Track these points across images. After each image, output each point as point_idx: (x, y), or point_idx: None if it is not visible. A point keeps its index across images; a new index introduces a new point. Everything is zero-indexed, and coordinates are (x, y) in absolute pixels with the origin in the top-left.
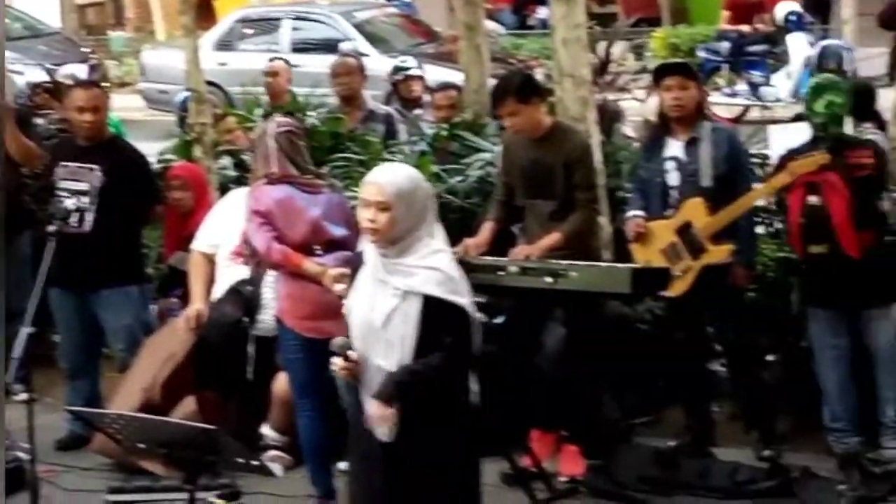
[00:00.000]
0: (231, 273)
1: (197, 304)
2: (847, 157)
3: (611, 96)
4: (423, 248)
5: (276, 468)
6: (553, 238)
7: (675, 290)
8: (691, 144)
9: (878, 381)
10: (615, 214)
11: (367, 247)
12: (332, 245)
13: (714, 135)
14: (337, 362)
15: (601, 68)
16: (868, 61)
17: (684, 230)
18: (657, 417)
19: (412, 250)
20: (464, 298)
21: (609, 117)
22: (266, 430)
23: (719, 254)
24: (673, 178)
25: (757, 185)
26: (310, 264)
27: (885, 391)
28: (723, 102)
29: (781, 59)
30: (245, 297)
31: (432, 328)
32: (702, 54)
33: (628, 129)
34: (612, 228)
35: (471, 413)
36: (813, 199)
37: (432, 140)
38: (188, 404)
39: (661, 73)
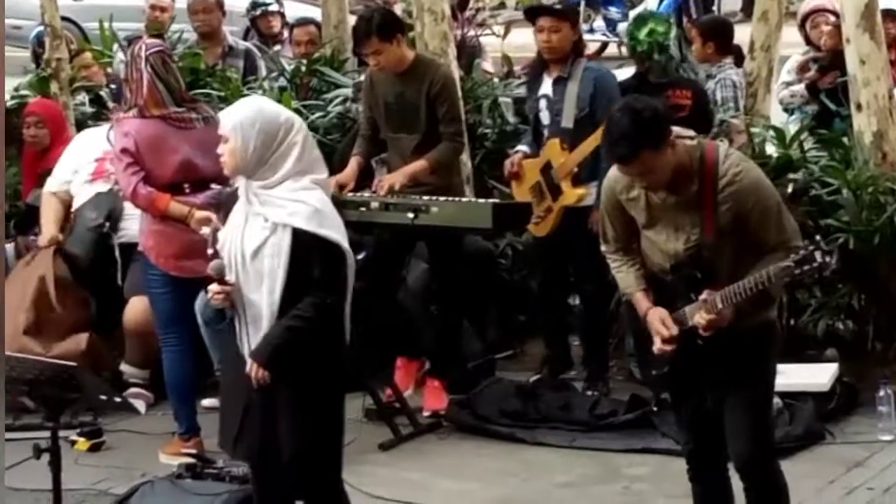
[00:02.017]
0: (90, 189)
1: (51, 230)
2: (668, 97)
3: (470, 32)
4: (293, 182)
5: (139, 405)
6: (419, 165)
7: (539, 230)
8: (559, 83)
9: None
10: (475, 151)
11: (241, 181)
12: (203, 183)
13: (584, 74)
14: (212, 287)
15: (461, 3)
16: None
17: (546, 170)
18: (519, 352)
19: (282, 183)
20: (334, 233)
21: (469, 53)
22: (124, 367)
23: (573, 196)
24: (545, 117)
25: None
26: (175, 206)
27: None
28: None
29: None
30: (106, 201)
31: (303, 262)
32: None
33: (488, 65)
34: (472, 164)
35: (344, 349)
36: None
37: (292, 76)
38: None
39: (533, 13)
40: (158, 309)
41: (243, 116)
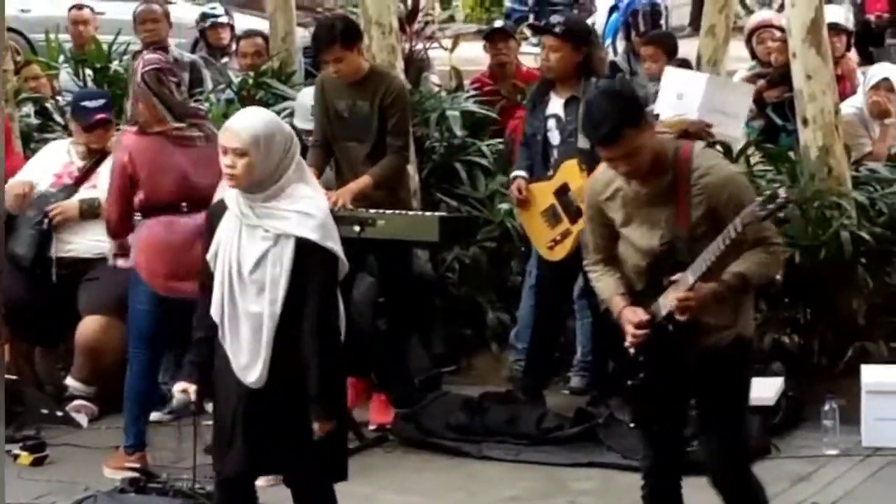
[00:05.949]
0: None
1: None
2: None
3: (418, 45)
4: (295, 193)
5: (82, 419)
6: (362, 181)
7: (555, 255)
8: (570, 103)
9: None
10: (423, 164)
11: (228, 193)
12: (201, 202)
13: None
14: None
15: (410, 16)
16: (673, 11)
17: (562, 193)
18: (465, 365)
19: (283, 195)
20: (336, 245)
21: (417, 66)
22: (70, 381)
23: None
24: (554, 137)
25: None
26: None
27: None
28: (529, 52)
29: (586, 9)
30: (46, 201)
31: (303, 272)
32: (508, 3)
33: (436, 78)
34: (419, 177)
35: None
36: None
37: (239, 88)
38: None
39: (538, 32)
40: (138, 324)
41: (262, 129)
